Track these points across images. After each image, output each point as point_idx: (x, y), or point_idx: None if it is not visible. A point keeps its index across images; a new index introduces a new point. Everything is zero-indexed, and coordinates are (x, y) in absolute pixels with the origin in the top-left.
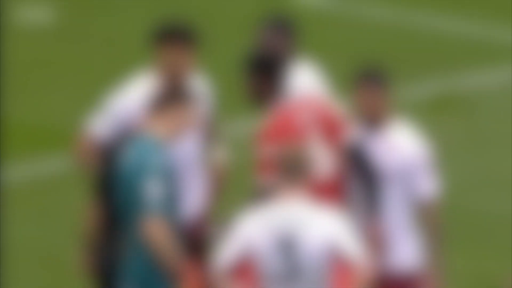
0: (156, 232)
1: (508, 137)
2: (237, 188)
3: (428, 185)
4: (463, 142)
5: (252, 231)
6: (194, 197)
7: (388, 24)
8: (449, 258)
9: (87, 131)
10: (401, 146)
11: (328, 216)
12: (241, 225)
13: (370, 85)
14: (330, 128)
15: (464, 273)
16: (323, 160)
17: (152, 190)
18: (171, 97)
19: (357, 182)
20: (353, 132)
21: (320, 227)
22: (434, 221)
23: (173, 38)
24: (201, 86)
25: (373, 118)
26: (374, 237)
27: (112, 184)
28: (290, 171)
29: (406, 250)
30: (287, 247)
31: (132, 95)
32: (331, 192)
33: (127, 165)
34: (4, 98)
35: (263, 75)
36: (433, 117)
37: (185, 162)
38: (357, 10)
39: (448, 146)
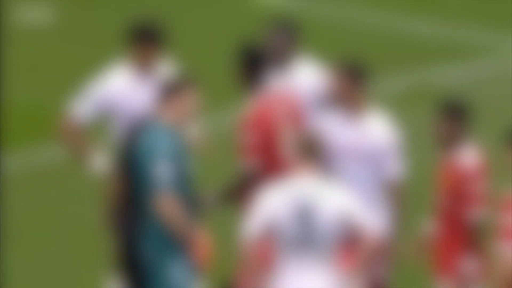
0: (166, 206)
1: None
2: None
3: (394, 167)
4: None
5: (274, 204)
6: None
7: (368, 27)
8: (412, 227)
9: (68, 113)
10: (372, 132)
11: (340, 191)
12: (265, 199)
13: (349, 79)
14: (296, 117)
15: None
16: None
17: (162, 171)
18: (176, 87)
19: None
20: (314, 120)
21: (333, 200)
22: (398, 197)
23: (142, 37)
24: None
25: (351, 108)
26: None
27: (129, 166)
28: (306, 152)
29: (373, 220)
30: (304, 217)
31: (109, 82)
32: None
33: (141, 150)
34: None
35: (247, 67)
36: (408, 107)
37: None
38: (336, 13)
39: (421, 131)
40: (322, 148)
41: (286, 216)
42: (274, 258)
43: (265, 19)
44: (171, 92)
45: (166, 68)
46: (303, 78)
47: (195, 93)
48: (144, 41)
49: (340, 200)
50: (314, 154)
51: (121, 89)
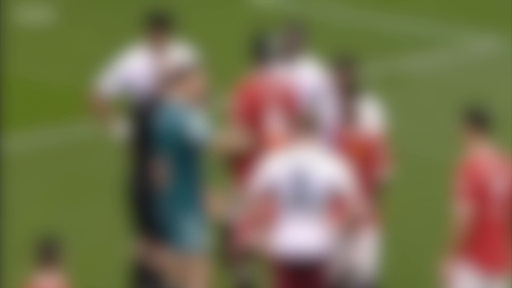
0: (219, 144)
1: (433, 104)
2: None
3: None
4: (402, 109)
5: (275, 168)
6: None
7: (341, 23)
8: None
9: (95, 89)
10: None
11: (332, 162)
12: (268, 164)
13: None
14: (288, 101)
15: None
16: (279, 125)
17: (197, 124)
18: (185, 71)
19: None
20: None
21: (325, 168)
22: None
23: (155, 24)
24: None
25: (344, 93)
26: None
27: (152, 143)
28: (304, 127)
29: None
30: (300, 181)
31: (128, 61)
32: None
33: (167, 123)
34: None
35: (257, 56)
36: (381, 92)
37: None
38: (313, 11)
39: (393, 111)
40: (318, 125)
41: (285, 179)
42: (274, 213)
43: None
44: (180, 75)
45: (177, 53)
46: (304, 73)
47: (202, 77)
48: (157, 27)
49: (331, 169)
50: (311, 129)
51: (138, 69)
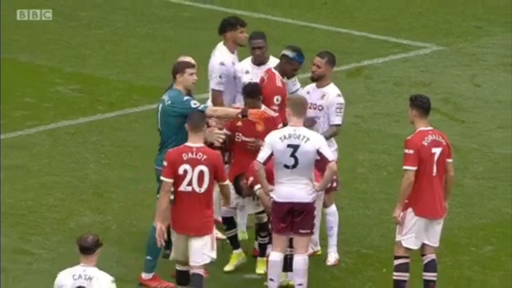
0: (214, 110)
1: (390, 89)
2: None
3: (336, 117)
4: (364, 93)
5: (275, 140)
6: None
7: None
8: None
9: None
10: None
11: (316, 134)
12: (270, 137)
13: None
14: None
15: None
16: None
17: (194, 102)
18: (181, 69)
19: None
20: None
21: (311, 139)
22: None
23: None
24: None
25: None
26: None
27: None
28: (297, 110)
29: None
30: (293, 149)
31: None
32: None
33: (170, 103)
34: None
35: None
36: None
37: None
38: None
39: (357, 94)
40: (306, 106)
41: (283, 148)
42: (275, 172)
43: None
44: (178, 71)
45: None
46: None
47: (193, 73)
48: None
49: (316, 140)
50: (302, 111)
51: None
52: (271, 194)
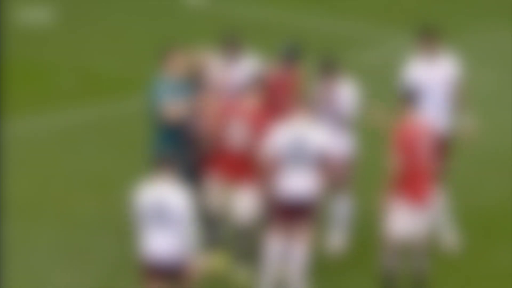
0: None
1: (375, 87)
2: None
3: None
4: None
5: (280, 135)
6: None
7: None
8: None
9: None
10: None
11: (319, 129)
12: (275, 132)
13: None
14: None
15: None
16: None
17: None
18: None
19: None
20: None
21: (315, 135)
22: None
23: None
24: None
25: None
26: None
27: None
28: (301, 107)
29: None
30: (298, 145)
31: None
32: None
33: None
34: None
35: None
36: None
37: None
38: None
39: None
40: (310, 103)
41: (287, 143)
42: (280, 168)
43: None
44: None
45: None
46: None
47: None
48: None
49: (320, 135)
50: (307, 107)
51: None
52: (273, 189)
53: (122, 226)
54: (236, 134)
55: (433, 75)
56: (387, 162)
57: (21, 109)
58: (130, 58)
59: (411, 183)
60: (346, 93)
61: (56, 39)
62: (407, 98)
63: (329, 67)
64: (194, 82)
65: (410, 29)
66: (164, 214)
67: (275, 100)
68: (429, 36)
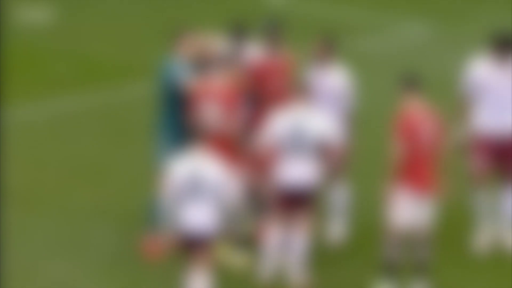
0: None
1: (381, 73)
2: None
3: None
4: (361, 79)
5: (278, 123)
6: None
7: None
8: None
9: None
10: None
11: (321, 118)
12: (273, 120)
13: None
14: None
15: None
16: None
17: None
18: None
19: None
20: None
21: (315, 121)
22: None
23: None
24: None
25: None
26: None
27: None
28: (300, 94)
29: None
30: (297, 133)
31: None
32: None
33: None
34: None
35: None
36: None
37: None
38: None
39: (355, 80)
40: (308, 90)
41: (286, 131)
42: (279, 156)
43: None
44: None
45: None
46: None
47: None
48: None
49: (320, 123)
50: (304, 93)
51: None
52: (272, 177)
53: (121, 215)
54: (209, 114)
55: (502, 77)
56: (390, 150)
57: (17, 96)
58: (128, 44)
59: (414, 171)
60: (341, 79)
61: (53, 25)
62: (409, 84)
63: (326, 52)
64: (203, 65)
65: (412, 16)
66: (200, 186)
67: (263, 84)
68: (502, 44)
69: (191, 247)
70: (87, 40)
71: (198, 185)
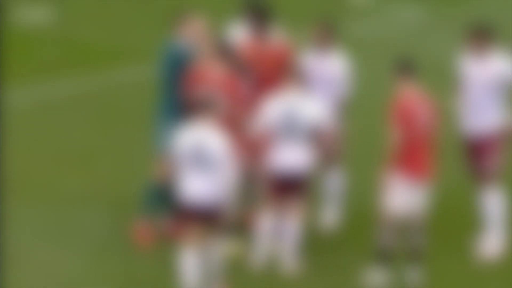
0: None
1: (376, 58)
2: None
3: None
4: (357, 64)
5: (271, 108)
6: None
7: None
8: None
9: None
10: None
11: (314, 103)
12: (266, 105)
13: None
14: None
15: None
16: None
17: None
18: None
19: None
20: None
21: (309, 106)
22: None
23: None
24: None
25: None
26: None
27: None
28: (293, 80)
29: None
30: (290, 118)
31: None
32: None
33: None
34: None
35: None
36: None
37: None
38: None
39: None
40: (304, 75)
41: (279, 117)
42: (272, 142)
43: None
44: None
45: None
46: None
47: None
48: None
49: (313, 108)
50: (299, 78)
51: None
52: (265, 163)
53: (112, 200)
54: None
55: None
56: (385, 135)
57: (10, 81)
58: (120, 29)
59: (410, 157)
60: (339, 65)
61: (45, 10)
62: (404, 69)
63: (325, 38)
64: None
65: (407, 0)
66: (203, 157)
67: (258, 70)
68: (480, 35)
69: (193, 219)
70: (79, 25)
71: (201, 156)
